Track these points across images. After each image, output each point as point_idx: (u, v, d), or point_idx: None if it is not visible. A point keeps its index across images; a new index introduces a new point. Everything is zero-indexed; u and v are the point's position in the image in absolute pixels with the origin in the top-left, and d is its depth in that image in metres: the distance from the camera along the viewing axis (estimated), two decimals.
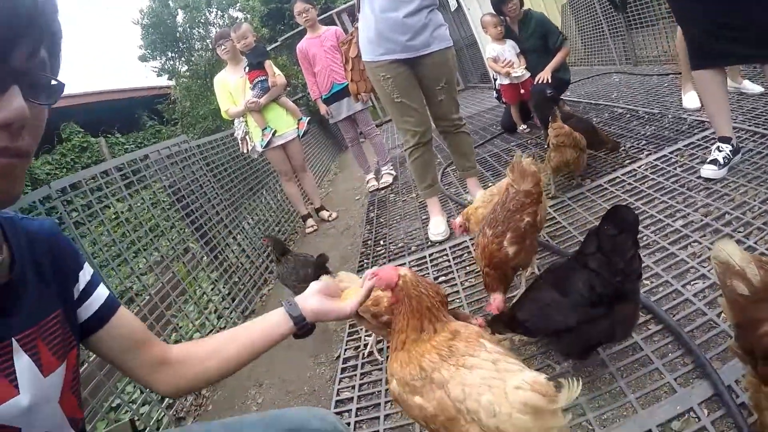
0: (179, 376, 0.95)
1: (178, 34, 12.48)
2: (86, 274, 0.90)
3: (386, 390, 1.76)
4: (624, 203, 2.14)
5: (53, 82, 0.64)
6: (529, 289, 1.42)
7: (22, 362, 0.70)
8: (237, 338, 0.98)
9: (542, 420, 0.78)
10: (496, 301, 1.58)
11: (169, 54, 12.75)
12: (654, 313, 1.48)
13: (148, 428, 2.05)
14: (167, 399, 2.27)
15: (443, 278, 2.35)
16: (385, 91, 2.62)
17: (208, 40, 12.19)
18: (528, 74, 4.17)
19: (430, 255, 2.64)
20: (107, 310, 0.90)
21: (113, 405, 2.07)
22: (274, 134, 3.89)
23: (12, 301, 0.73)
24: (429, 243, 2.82)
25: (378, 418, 1.65)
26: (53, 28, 0.63)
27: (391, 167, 4.81)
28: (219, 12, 13.81)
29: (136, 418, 2.01)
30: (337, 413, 1.75)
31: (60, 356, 0.78)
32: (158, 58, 12.96)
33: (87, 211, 2.42)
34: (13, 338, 0.70)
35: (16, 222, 0.81)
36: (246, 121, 3.95)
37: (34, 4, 0.58)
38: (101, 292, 0.91)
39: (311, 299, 1.01)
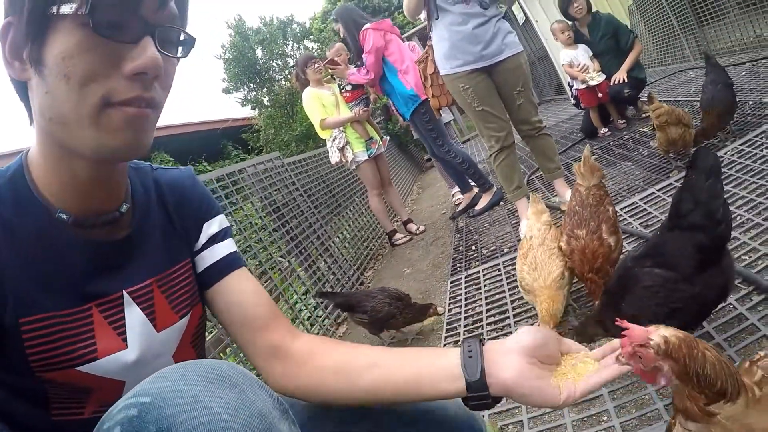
0: (291, 377, 0.74)
1: (258, 67, 13.02)
2: (214, 225, 0.82)
3: None
4: None
5: (183, 36, 0.64)
6: (620, 283, 1.29)
7: (133, 316, 0.68)
8: (382, 366, 0.70)
9: None
10: None
11: (251, 85, 13.31)
12: (756, 284, 1.45)
13: None
14: None
15: None
16: (466, 101, 2.74)
17: (287, 71, 12.68)
18: (603, 77, 4.17)
19: None
20: (224, 266, 0.79)
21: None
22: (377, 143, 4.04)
23: (128, 255, 0.70)
24: None
25: None
26: None
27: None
28: (295, 44, 14.48)
29: None
30: None
31: (181, 309, 0.74)
32: (241, 90, 13.54)
33: None
34: (124, 291, 0.68)
35: (148, 173, 0.78)
36: (346, 133, 4.00)
37: None
38: (224, 247, 0.81)
39: (510, 361, 0.64)
